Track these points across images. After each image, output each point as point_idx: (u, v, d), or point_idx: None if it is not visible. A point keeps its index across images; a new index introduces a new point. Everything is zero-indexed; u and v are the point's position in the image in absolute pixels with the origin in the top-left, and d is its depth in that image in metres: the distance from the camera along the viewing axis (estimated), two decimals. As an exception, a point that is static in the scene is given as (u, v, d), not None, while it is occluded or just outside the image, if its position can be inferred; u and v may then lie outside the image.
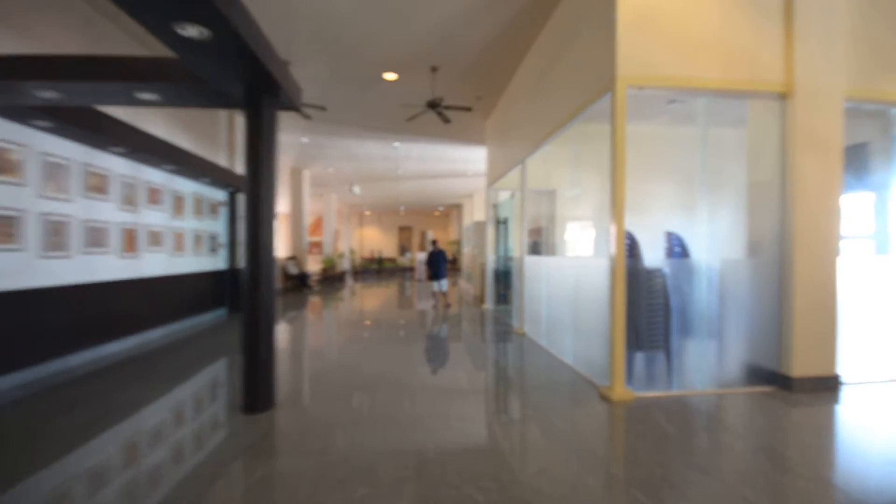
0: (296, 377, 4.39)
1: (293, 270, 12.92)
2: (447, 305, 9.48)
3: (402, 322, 7.46)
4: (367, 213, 28.85)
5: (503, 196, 8.68)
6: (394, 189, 18.47)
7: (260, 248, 3.25)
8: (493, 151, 8.88)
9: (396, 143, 10.77)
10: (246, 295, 3.21)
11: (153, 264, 6.08)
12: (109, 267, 5.18)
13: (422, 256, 17.62)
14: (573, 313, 4.59)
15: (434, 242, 9.62)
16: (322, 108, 6.99)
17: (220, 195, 8.15)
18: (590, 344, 4.17)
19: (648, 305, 3.81)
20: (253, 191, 3.24)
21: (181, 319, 6.86)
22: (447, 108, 6.72)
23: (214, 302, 7.92)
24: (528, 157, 6.19)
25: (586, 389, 3.77)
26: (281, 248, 19.59)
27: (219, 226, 8.13)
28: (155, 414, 3.27)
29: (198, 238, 7.37)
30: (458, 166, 13.78)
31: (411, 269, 23.47)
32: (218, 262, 8.11)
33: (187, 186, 7.05)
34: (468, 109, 6.98)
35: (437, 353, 5.35)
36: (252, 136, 3.24)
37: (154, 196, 6.08)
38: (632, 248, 3.71)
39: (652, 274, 3.87)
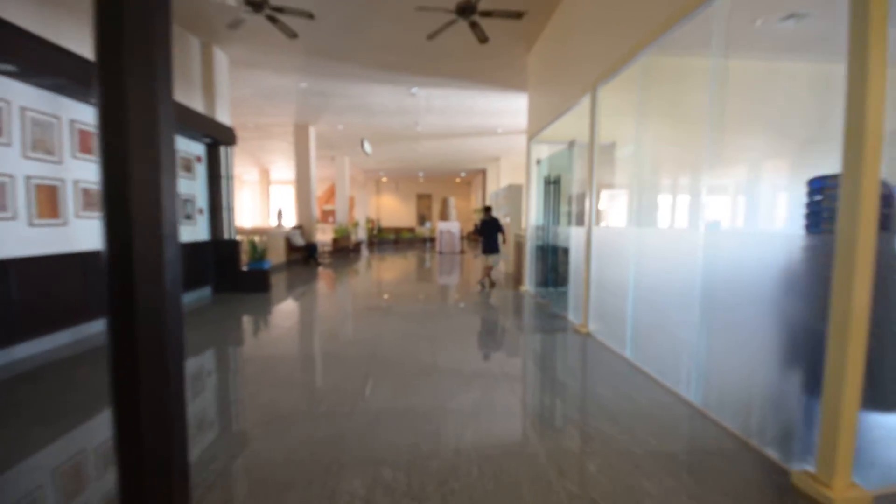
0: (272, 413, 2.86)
1: (298, 241, 11.45)
2: (492, 284, 7.85)
3: (424, 307, 5.90)
4: (384, 179, 27.13)
5: (552, 150, 6.81)
6: (412, 152, 16.62)
7: (131, 214, 1.58)
8: (536, 95, 6.95)
9: (415, 89, 8.89)
10: (109, 311, 1.59)
11: (95, 234, 4.58)
12: (13, 238, 3.68)
13: (444, 226, 15.94)
14: (704, 321, 2.86)
15: (487, 209, 7.91)
16: (309, 16, 5.16)
17: (195, 148, 6.56)
18: (750, 381, 2.46)
19: None
20: (108, 87, 1.54)
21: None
22: (486, 14, 4.80)
23: (195, 280, 6.49)
24: (601, 84, 4.32)
25: (749, 465, 2.10)
26: (290, 217, 18.15)
27: (196, 187, 6.58)
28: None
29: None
30: (486, 121, 11.81)
31: (431, 240, 21.87)
32: (197, 232, 6.62)
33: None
34: (517, 16, 5.01)
35: (474, 362, 3.74)
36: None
37: (87, 142, 4.50)
38: (888, 210, 1.89)
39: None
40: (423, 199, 28.29)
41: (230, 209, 6.99)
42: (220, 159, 6.88)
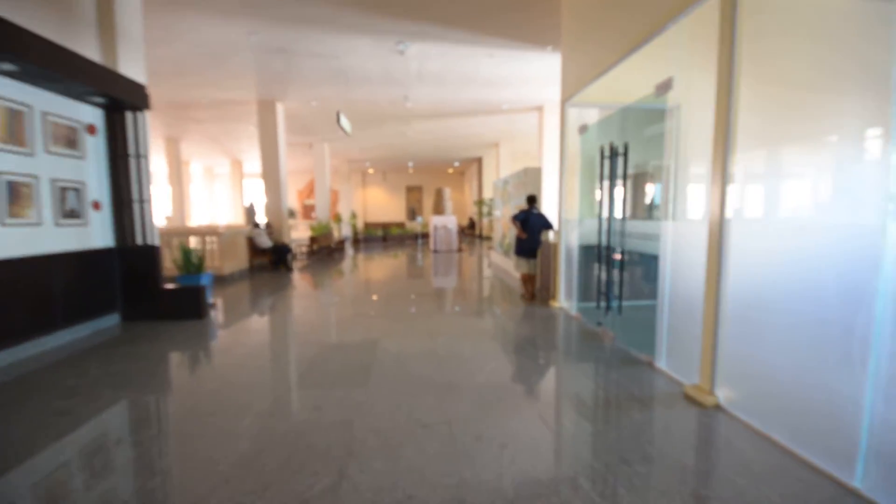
0: None
1: (264, 243, 9.36)
2: (532, 296, 6.02)
3: (425, 342, 3.95)
4: (370, 170, 25.01)
5: (601, 116, 4.86)
6: (402, 137, 14.55)
7: None
8: (578, 33, 5.00)
9: (403, 44, 6.84)
10: None
11: None
12: None
13: (439, 221, 13.95)
14: None
15: (532, 199, 6.00)
16: None
17: (83, 113, 4.47)
18: None
19: None
20: None
21: (23, 340, 3.50)
22: None
23: (89, 305, 4.43)
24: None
25: None
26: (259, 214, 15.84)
27: (86, 169, 4.50)
28: None
29: (26, 192, 3.77)
30: (489, 94, 9.81)
31: (423, 236, 19.87)
32: (90, 236, 4.54)
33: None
34: None
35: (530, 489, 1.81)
36: None
37: None
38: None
39: None
40: (413, 192, 26.25)
41: (146, 202, 4.91)
42: (126, 131, 4.79)
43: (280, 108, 10.29)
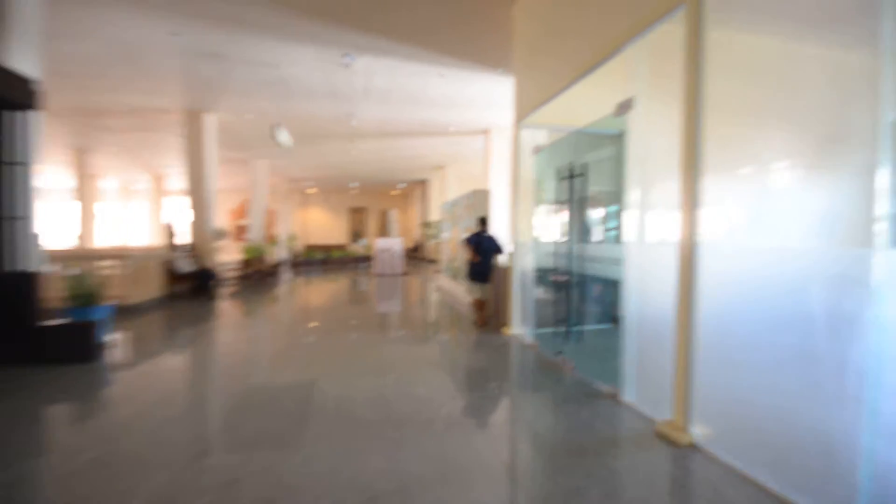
0: None
1: (184, 267, 8.33)
2: (485, 322, 5.72)
3: (368, 379, 3.45)
4: (312, 190, 23.99)
5: (552, 138, 4.79)
6: (346, 155, 14.03)
7: None
8: (533, 53, 4.96)
9: (349, 57, 6.50)
10: None
11: None
12: None
13: (383, 244, 13.45)
14: None
15: (483, 221, 5.74)
16: None
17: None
18: None
19: None
20: None
21: None
22: None
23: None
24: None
25: None
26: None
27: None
28: None
29: None
30: (437, 115, 9.69)
31: (367, 259, 19.17)
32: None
33: None
34: None
35: None
36: None
37: None
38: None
39: None
40: (357, 214, 25.51)
41: (25, 220, 4.02)
42: (3, 134, 3.93)
43: (210, 120, 9.43)
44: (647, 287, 2.99)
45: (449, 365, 4.22)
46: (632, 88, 3.09)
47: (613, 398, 3.21)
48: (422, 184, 20.58)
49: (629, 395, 3.11)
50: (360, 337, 5.25)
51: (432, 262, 18.99)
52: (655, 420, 2.78)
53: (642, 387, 3.02)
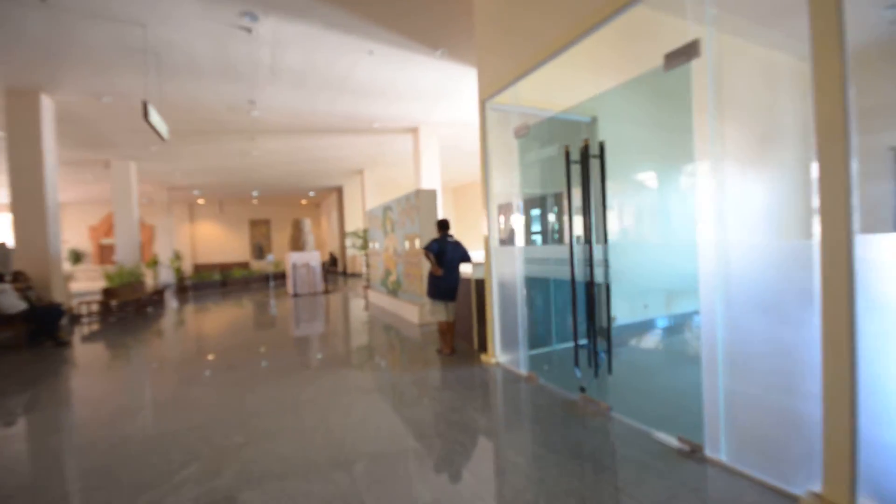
0: None
1: (11, 306, 5.85)
2: (452, 350, 4.53)
3: (320, 451, 2.11)
4: (201, 200, 20.66)
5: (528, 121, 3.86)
6: (244, 158, 11.87)
7: None
8: (496, 29, 4.00)
9: (251, 15, 4.97)
10: None
11: None
12: None
13: (298, 258, 11.56)
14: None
15: (444, 224, 4.57)
16: None
17: None
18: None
19: None
20: None
21: None
22: None
23: None
24: None
25: None
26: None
27: None
28: None
29: None
30: (360, 107, 8.36)
31: (277, 277, 16.80)
32: None
33: None
34: None
35: None
36: None
37: None
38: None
39: None
40: (259, 226, 22.65)
41: None
42: None
43: (47, 104, 6.96)
44: (732, 298, 2.15)
45: (422, 421, 3.00)
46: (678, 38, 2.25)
47: (693, 456, 2.31)
48: (336, 190, 18.78)
49: (717, 451, 2.23)
50: (282, 386, 3.75)
51: (353, 275, 17.23)
52: (796, 494, 1.91)
53: (740, 439, 2.16)
